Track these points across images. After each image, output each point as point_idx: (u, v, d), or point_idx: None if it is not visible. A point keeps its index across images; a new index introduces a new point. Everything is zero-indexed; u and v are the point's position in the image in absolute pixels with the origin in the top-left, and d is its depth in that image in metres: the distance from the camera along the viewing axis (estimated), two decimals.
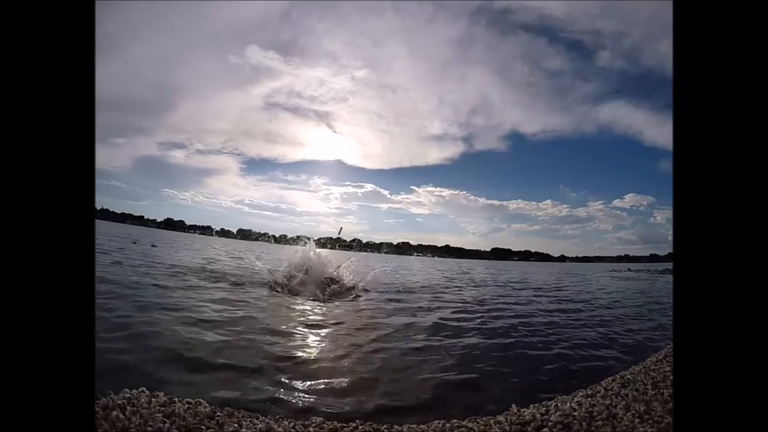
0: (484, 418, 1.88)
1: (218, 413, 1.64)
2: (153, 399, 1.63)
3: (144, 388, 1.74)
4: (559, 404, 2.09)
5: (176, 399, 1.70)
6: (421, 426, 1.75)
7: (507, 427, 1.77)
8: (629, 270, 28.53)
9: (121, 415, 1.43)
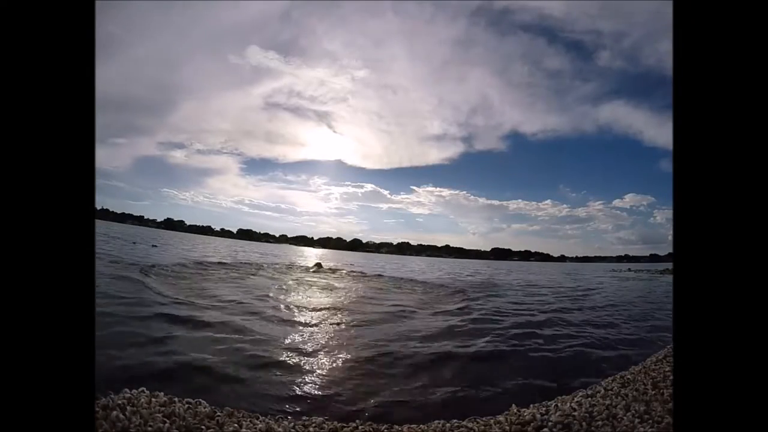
0: (484, 418, 1.87)
1: (218, 413, 1.63)
2: (153, 399, 1.63)
3: (144, 388, 1.74)
4: (559, 404, 2.08)
5: (176, 399, 1.70)
6: (420, 426, 1.75)
7: (507, 427, 1.76)
8: (629, 270, 28.49)
9: (121, 415, 1.42)
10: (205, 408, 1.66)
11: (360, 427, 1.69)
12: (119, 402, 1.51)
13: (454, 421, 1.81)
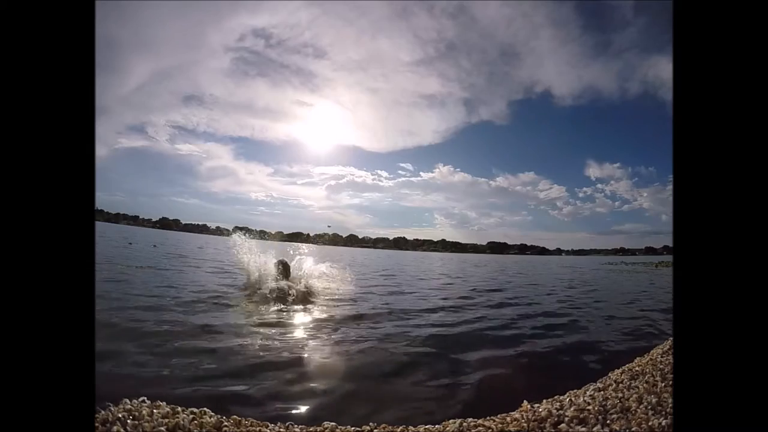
0: (499, 416, 1.84)
1: (225, 423, 1.56)
2: (155, 410, 1.55)
3: (145, 398, 1.66)
4: (572, 398, 2.06)
5: (179, 409, 1.62)
6: (436, 426, 1.70)
7: (525, 424, 1.73)
8: (623, 263, 28.83)
9: (122, 430, 1.35)
10: (210, 418, 1.59)
11: (375, 431, 1.64)
12: (120, 415, 1.43)
13: (470, 419, 1.76)
